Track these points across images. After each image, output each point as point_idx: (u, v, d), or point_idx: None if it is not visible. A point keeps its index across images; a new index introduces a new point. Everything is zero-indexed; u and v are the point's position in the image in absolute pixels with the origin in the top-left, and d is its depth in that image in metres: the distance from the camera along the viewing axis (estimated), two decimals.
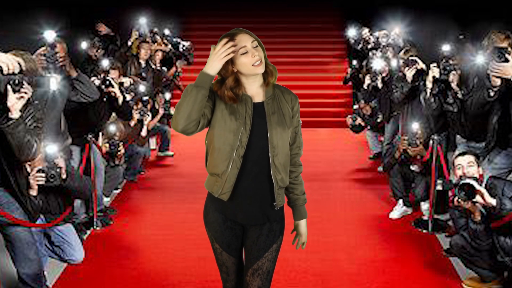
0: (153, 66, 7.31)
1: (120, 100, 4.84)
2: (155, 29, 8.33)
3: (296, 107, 2.47)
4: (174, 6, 11.60)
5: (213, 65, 2.20)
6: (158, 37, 8.19)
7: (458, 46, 5.56)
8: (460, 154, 3.74)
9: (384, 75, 6.19)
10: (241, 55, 2.30)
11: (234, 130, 2.34)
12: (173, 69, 8.45)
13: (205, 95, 2.22)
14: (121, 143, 5.17)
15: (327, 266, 3.99)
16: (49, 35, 3.75)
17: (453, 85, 4.38)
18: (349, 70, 9.13)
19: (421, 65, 4.78)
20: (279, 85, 2.47)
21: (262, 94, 2.42)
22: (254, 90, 2.41)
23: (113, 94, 4.78)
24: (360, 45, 9.03)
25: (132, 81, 5.48)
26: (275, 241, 2.50)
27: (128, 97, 5.20)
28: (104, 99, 4.76)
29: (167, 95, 7.62)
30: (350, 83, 9.30)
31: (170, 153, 7.50)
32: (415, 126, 4.75)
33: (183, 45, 8.89)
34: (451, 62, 4.37)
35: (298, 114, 2.48)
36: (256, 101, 2.40)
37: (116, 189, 5.81)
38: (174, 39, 8.91)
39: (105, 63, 5.36)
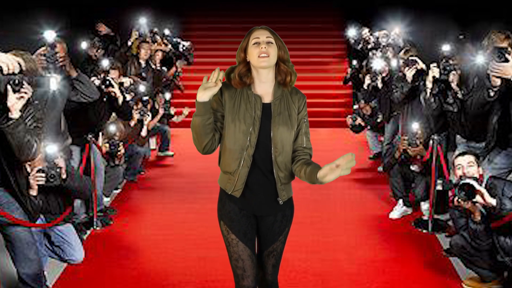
0: (153, 66, 7.31)
1: (120, 100, 4.84)
2: (155, 29, 8.34)
3: (302, 106, 2.53)
4: (174, 6, 11.59)
5: (200, 95, 2.32)
6: (158, 37, 8.19)
7: (458, 46, 5.56)
8: (460, 154, 3.74)
9: (384, 75, 6.19)
10: (252, 45, 2.42)
11: (244, 131, 2.44)
12: (173, 69, 8.45)
13: (207, 119, 2.37)
14: (121, 143, 5.17)
15: (327, 266, 3.99)
16: (49, 35, 3.75)
17: (453, 85, 4.38)
18: (349, 70, 9.13)
19: (421, 65, 4.78)
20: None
21: (271, 94, 2.49)
22: (264, 89, 2.49)
23: (113, 94, 4.78)
24: (360, 45, 9.04)
25: (132, 81, 5.48)
26: (287, 225, 2.65)
27: (128, 97, 5.20)
28: (104, 99, 4.76)
29: (167, 95, 7.62)
30: (350, 83, 9.30)
31: (170, 153, 7.51)
32: (415, 126, 4.75)
33: (183, 45, 8.90)
34: (451, 62, 4.37)
35: (305, 113, 2.53)
36: (265, 102, 2.48)
37: (116, 189, 5.81)
38: (174, 39, 8.92)
39: (105, 63, 5.36)
